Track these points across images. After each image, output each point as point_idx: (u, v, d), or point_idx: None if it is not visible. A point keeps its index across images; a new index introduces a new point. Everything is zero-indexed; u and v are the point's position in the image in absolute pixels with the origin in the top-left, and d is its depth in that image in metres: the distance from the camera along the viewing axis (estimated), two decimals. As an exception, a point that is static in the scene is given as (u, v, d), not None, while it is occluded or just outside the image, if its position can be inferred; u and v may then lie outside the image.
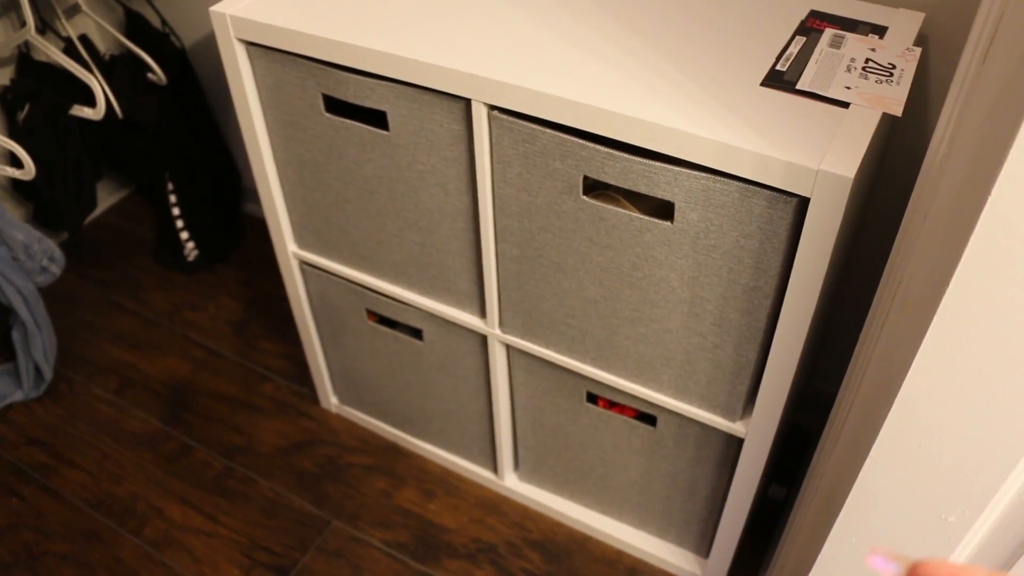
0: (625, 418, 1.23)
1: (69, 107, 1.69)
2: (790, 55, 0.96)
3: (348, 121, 1.11)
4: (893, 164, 1.22)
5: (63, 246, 2.07)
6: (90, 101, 1.68)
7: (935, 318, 0.59)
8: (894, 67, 0.93)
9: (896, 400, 0.67)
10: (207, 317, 1.89)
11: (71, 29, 1.72)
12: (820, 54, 0.96)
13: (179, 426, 1.67)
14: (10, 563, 1.44)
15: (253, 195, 2.12)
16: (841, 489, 0.87)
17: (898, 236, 0.94)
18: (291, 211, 1.31)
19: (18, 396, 1.70)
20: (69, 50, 1.73)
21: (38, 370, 1.70)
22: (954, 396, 0.64)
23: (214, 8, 1.08)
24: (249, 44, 1.12)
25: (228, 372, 1.77)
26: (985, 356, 0.60)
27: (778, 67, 0.94)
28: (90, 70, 1.66)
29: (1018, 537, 0.71)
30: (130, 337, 1.85)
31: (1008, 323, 0.57)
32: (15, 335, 1.65)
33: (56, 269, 1.64)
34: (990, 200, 0.51)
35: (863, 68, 0.93)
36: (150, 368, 1.78)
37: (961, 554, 0.73)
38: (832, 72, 0.92)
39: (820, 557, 0.91)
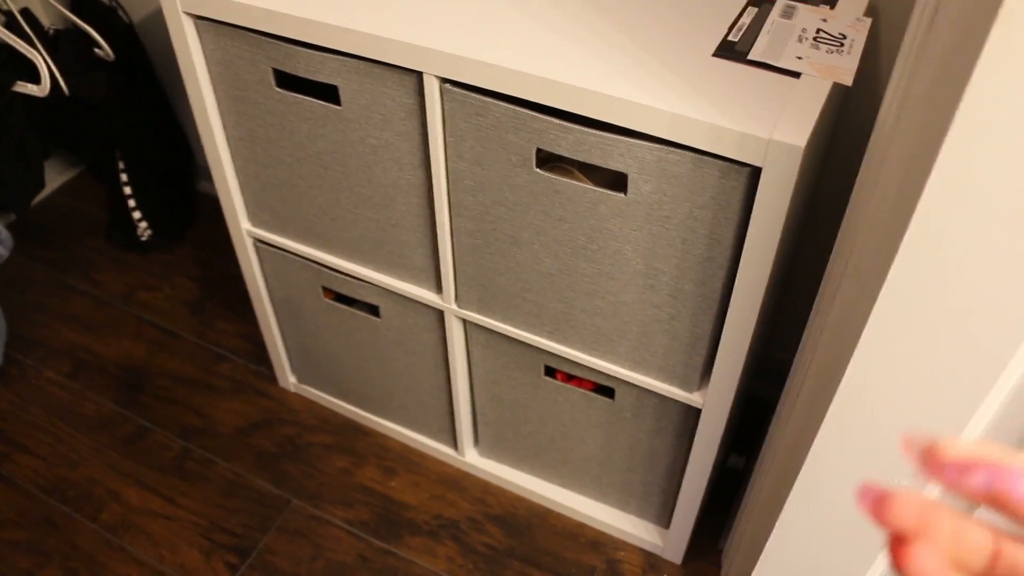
0: (583, 391, 1.23)
1: (12, 83, 1.64)
2: (742, 25, 0.96)
3: (299, 96, 1.09)
4: (845, 133, 1.23)
5: (11, 227, 2.02)
6: (34, 77, 1.63)
7: (884, 285, 0.60)
8: (845, 37, 0.93)
9: (848, 368, 0.68)
10: (162, 297, 1.86)
11: (12, 3, 1.67)
12: (772, 24, 0.96)
13: (135, 408, 1.64)
14: (-37, 551, 1.42)
15: (206, 173, 2.09)
16: (797, 457, 0.88)
17: (849, 204, 0.95)
18: (244, 188, 1.29)
19: (-33, 381, 1.67)
20: (11, 24, 1.68)
21: (-13, 354, 1.66)
22: (904, 362, 0.65)
23: (158, -20, 1.05)
24: (197, 18, 1.09)
25: (184, 353, 1.74)
26: (933, 322, 0.60)
27: (730, 37, 0.94)
28: (33, 45, 1.62)
29: (967, 501, 0.72)
30: (83, 319, 1.82)
31: (955, 289, 0.58)
32: (-38, 319, 1.62)
33: (4, 251, 1.60)
34: (936, 167, 0.51)
35: (814, 38, 0.93)
36: (104, 350, 1.75)
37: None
38: (784, 42, 0.92)
39: (778, 524, 0.92)
